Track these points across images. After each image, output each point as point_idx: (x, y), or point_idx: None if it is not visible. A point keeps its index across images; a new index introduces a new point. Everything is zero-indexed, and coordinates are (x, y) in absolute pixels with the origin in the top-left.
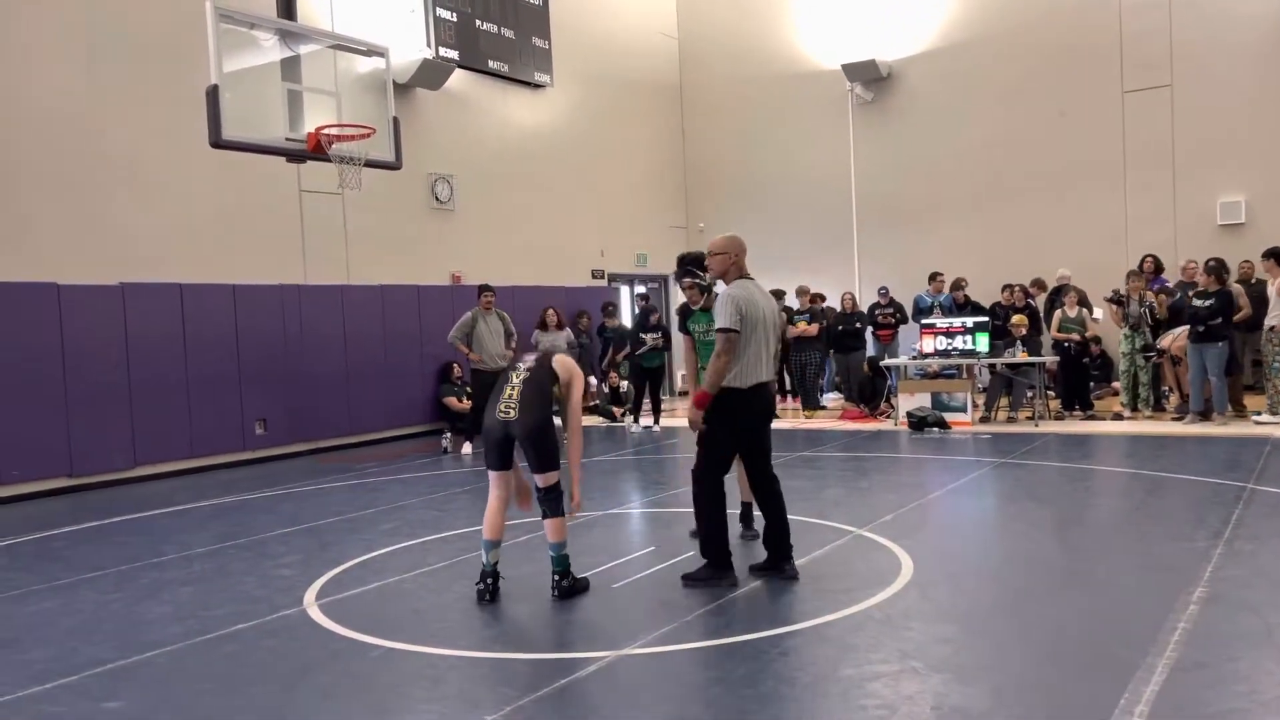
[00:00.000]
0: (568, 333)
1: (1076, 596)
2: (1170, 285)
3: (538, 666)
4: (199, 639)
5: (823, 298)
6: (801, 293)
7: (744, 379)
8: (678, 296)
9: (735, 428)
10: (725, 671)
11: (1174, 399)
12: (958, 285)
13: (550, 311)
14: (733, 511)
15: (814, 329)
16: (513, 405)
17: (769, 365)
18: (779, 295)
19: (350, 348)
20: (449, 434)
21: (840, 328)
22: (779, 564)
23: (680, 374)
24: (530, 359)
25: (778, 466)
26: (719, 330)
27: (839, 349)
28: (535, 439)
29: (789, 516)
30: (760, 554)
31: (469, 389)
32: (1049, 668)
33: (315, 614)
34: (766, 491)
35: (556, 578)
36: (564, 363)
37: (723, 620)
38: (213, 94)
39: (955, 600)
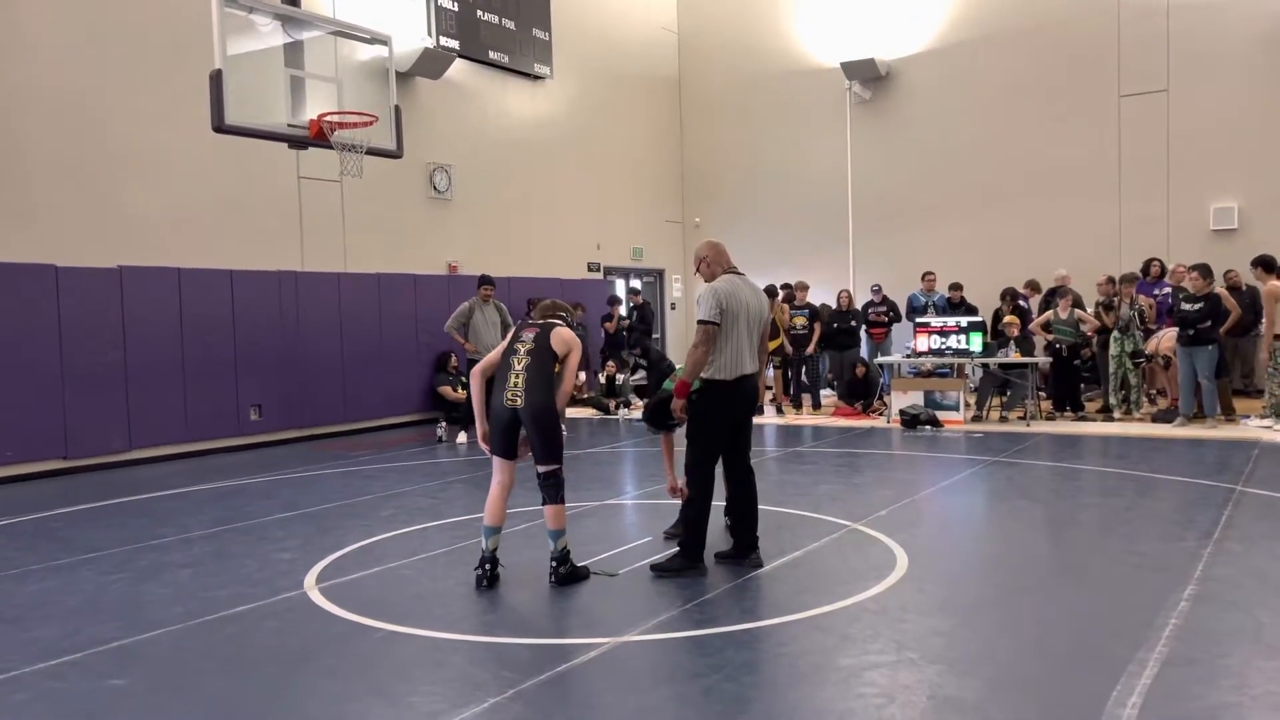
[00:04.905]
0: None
1: (1069, 593)
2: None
3: (539, 651)
4: (201, 620)
5: (805, 289)
6: (800, 287)
7: (728, 371)
8: (670, 291)
9: (723, 419)
10: (724, 659)
11: (1163, 401)
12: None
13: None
14: (719, 503)
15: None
16: (519, 394)
17: (753, 358)
18: (804, 289)
19: (346, 335)
20: (444, 423)
21: (835, 325)
22: (745, 553)
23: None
24: (529, 337)
25: (774, 461)
26: (698, 321)
27: (834, 346)
28: (541, 422)
29: (785, 510)
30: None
31: (464, 379)
32: (1042, 661)
33: (316, 597)
34: (741, 482)
35: (555, 564)
36: (561, 338)
37: (720, 609)
38: (216, 78)
39: (949, 594)
